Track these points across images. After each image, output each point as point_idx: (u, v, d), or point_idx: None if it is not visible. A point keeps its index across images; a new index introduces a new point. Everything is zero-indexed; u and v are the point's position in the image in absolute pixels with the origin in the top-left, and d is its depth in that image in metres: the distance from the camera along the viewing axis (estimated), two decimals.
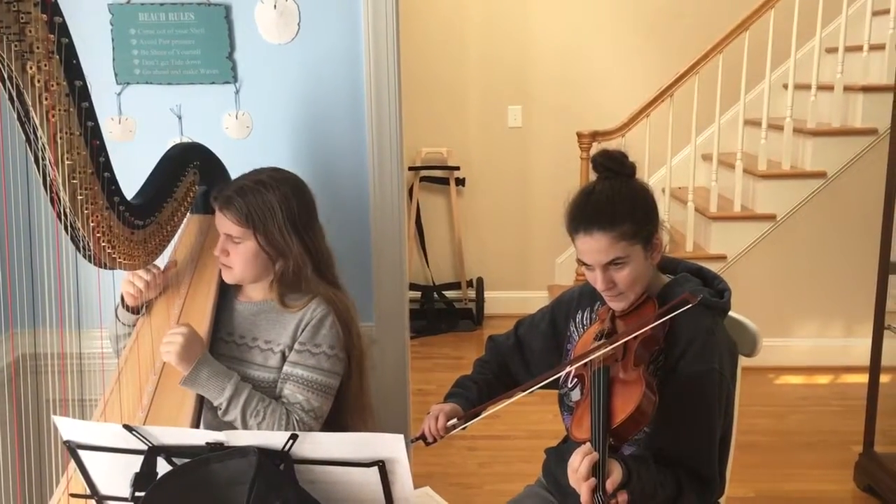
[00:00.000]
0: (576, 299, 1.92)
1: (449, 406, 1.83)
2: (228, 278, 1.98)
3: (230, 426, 1.84)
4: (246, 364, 1.94)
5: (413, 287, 4.92)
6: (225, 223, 1.91)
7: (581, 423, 1.57)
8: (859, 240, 4.02)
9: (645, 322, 1.61)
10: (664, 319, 1.60)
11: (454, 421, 1.80)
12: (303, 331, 1.93)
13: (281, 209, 1.92)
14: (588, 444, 1.47)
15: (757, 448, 3.39)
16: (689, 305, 1.59)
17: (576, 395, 1.80)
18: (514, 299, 5.00)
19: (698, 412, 1.63)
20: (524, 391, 1.75)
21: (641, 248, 1.66)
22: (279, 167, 2.01)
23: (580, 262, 1.70)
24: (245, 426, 1.82)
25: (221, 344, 1.99)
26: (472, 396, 1.87)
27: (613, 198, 1.65)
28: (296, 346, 1.92)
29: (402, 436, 1.33)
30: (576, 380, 1.77)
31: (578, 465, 1.44)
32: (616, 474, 1.44)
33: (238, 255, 1.92)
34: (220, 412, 1.83)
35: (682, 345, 1.65)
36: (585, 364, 1.65)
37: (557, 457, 1.91)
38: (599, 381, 1.55)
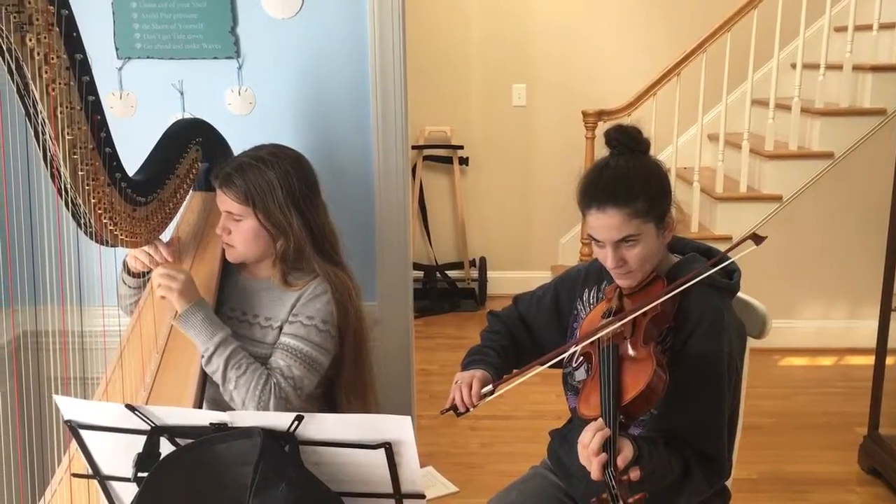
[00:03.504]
0: (582, 277, 1.89)
1: (480, 372, 1.73)
2: (231, 257, 1.97)
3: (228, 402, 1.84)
4: (245, 340, 1.94)
5: (416, 267, 4.89)
6: (225, 201, 1.90)
7: (589, 400, 1.55)
8: (866, 221, 3.99)
9: (654, 299, 1.59)
10: (695, 282, 1.58)
11: (489, 388, 1.69)
12: (299, 304, 1.93)
13: (281, 186, 1.90)
14: (600, 419, 1.45)
15: (761, 430, 3.38)
16: (750, 249, 1.56)
17: (580, 374, 1.78)
18: (517, 279, 4.97)
19: (707, 392, 1.61)
20: (552, 359, 1.69)
21: (654, 226, 1.63)
22: (280, 143, 1.99)
23: (590, 238, 1.67)
24: (224, 378, 1.81)
25: (224, 319, 1.97)
26: (495, 362, 1.80)
27: (628, 174, 1.62)
28: (289, 317, 1.93)
29: (409, 417, 1.31)
30: (581, 358, 1.75)
31: (590, 441, 1.42)
32: (627, 451, 1.42)
33: (239, 233, 1.92)
34: (204, 361, 1.82)
35: (691, 324, 1.63)
36: (593, 342, 1.62)
37: (562, 439, 1.90)
38: (608, 358, 1.53)
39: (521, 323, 1.93)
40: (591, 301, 1.84)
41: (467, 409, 1.69)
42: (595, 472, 1.40)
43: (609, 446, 1.41)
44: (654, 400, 1.49)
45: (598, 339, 1.60)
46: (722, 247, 1.77)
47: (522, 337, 1.92)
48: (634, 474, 1.41)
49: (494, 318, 1.97)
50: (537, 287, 1.96)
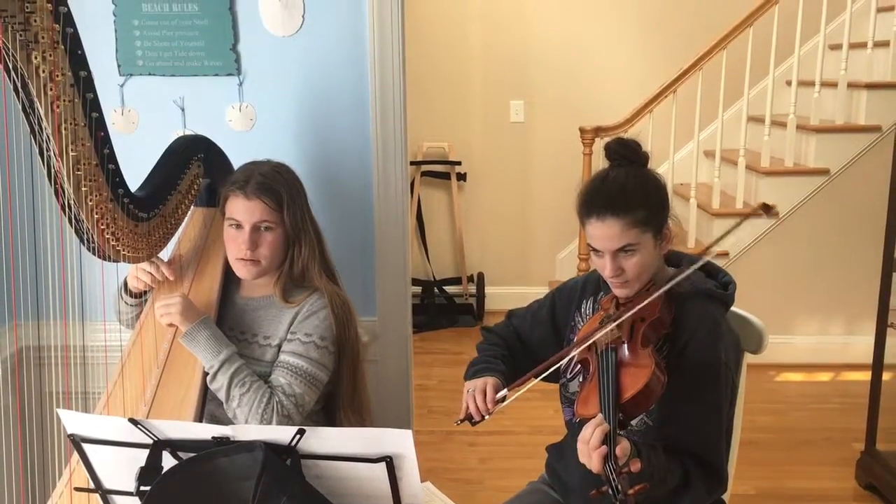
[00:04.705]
0: (579, 289, 1.91)
1: (492, 379, 1.72)
2: (252, 274, 1.95)
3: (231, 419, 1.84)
4: (245, 359, 1.94)
5: (414, 282, 4.87)
6: (259, 210, 1.89)
7: (587, 401, 1.57)
8: (862, 237, 4.01)
9: (652, 304, 1.61)
10: (688, 273, 1.59)
11: (503, 393, 1.69)
12: (296, 321, 1.93)
13: (300, 192, 1.97)
14: (599, 415, 1.47)
15: (758, 445, 3.39)
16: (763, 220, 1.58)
17: (574, 386, 1.80)
18: (514, 295, 4.97)
19: (704, 401, 1.63)
20: (554, 364, 1.69)
21: (652, 236, 1.66)
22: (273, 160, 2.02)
23: (589, 247, 1.69)
24: (228, 395, 1.82)
25: None
26: (502, 369, 1.80)
27: (627, 185, 1.65)
28: (288, 335, 1.93)
29: (409, 431, 1.32)
30: (578, 366, 1.76)
31: (590, 436, 1.43)
32: (626, 443, 1.43)
33: (268, 244, 1.92)
34: (209, 378, 1.83)
35: (688, 333, 1.65)
36: (590, 348, 1.64)
37: (559, 454, 1.90)
38: (608, 360, 1.55)
39: (516, 337, 1.94)
40: (589, 312, 1.86)
41: (483, 417, 1.69)
42: (595, 465, 1.41)
43: (609, 440, 1.42)
44: (653, 399, 1.51)
45: (596, 344, 1.61)
46: (718, 263, 1.79)
47: (517, 350, 1.93)
48: (635, 466, 1.41)
49: (489, 332, 1.98)
50: (533, 301, 1.98)
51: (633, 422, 1.65)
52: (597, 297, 1.85)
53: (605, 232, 1.63)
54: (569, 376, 1.82)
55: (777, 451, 3.39)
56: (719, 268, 1.81)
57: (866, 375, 3.08)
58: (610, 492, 1.38)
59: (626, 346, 1.58)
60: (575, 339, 1.79)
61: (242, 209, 1.89)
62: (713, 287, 1.72)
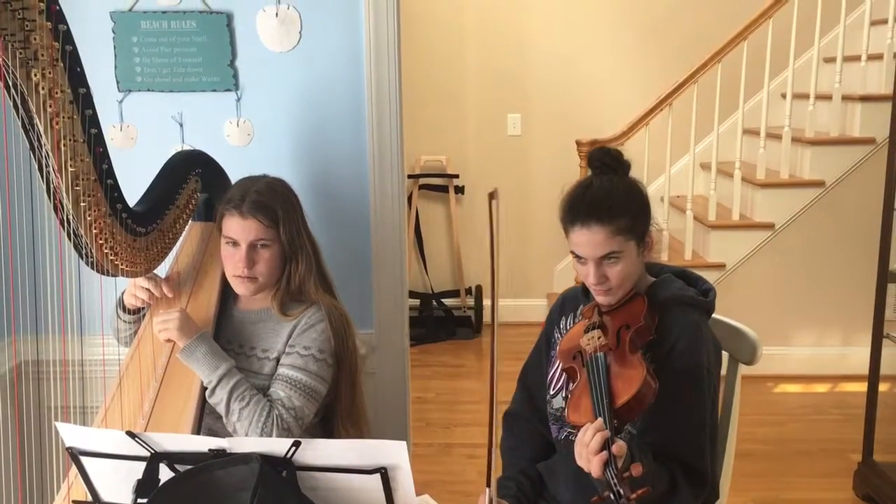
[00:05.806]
0: (558, 308, 1.93)
1: None
2: (250, 291, 1.96)
3: (231, 433, 1.85)
4: (243, 372, 1.95)
5: (412, 295, 4.91)
6: (254, 229, 1.90)
7: (579, 406, 1.57)
8: (857, 248, 4.03)
9: (634, 315, 1.62)
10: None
11: None
12: (294, 334, 1.94)
13: (296, 208, 1.97)
14: (599, 420, 1.47)
15: (756, 457, 3.39)
16: None
17: (558, 402, 1.80)
18: (513, 307, 4.99)
19: (688, 406, 1.64)
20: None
21: (635, 244, 1.68)
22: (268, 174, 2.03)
23: (573, 255, 1.70)
24: (228, 410, 1.83)
25: None
26: (513, 492, 1.82)
27: (611, 192, 1.67)
28: (286, 348, 1.94)
29: (404, 443, 1.33)
30: (563, 378, 1.77)
31: (590, 440, 1.42)
32: (624, 447, 1.43)
33: (265, 261, 1.92)
34: (207, 392, 1.84)
35: (671, 341, 1.66)
36: (575, 356, 1.65)
37: (548, 470, 1.90)
38: (597, 366, 1.56)
39: (533, 406, 1.92)
40: (568, 326, 1.87)
41: None
42: (596, 470, 1.41)
43: (607, 446, 1.42)
44: (646, 404, 1.51)
45: (583, 352, 1.63)
46: (715, 275, 1.81)
47: (544, 425, 1.91)
48: (637, 470, 1.41)
49: (506, 421, 1.97)
50: (532, 350, 1.98)
51: None
52: (576, 312, 1.86)
53: (590, 239, 1.64)
54: (552, 392, 1.83)
55: (774, 463, 3.40)
56: (699, 276, 1.84)
57: (863, 386, 3.09)
58: (612, 497, 1.38)
59: (613, 353, 1.59)
60: (557, 350, 1.80)
61: (238, 228, 1.90)
62: (694, 295, 1.74)
